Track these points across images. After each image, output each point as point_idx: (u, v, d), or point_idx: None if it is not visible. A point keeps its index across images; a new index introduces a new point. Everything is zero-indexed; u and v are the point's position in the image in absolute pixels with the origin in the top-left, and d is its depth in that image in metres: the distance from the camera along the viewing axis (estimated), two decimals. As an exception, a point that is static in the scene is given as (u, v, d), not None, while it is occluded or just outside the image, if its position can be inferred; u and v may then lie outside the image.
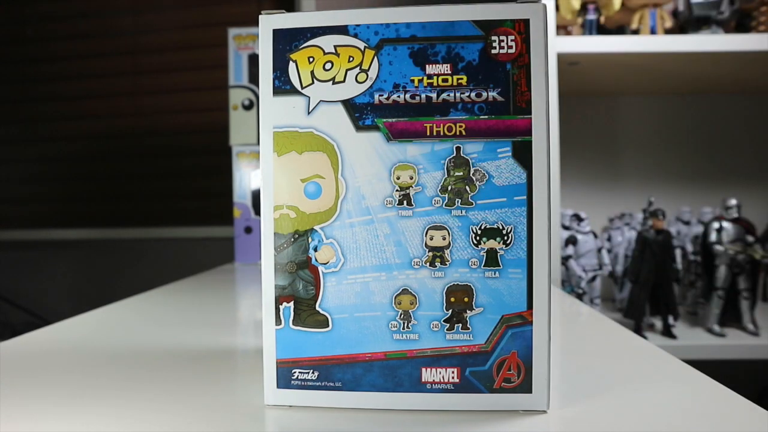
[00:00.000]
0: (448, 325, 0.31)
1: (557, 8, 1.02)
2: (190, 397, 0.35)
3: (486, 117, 0.30)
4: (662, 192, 1.29)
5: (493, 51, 0.29)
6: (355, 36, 0.29)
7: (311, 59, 0.27)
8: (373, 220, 0.31)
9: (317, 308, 0.31)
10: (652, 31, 1.04)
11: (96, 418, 0.32)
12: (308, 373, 0.31)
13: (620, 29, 1.11)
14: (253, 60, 1.12)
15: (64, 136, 1.79)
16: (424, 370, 0.31)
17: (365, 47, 0.28)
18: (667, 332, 0.97)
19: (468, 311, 0.31)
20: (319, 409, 0.32)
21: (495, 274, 0.30)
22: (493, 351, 0.30)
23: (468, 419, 0.30)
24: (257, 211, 1.10)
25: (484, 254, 0.30)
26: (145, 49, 1.73)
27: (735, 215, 0.99)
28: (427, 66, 0.30)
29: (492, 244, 0.30)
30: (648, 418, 0.30)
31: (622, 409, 0.32)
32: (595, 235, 1.10)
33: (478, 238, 0.30)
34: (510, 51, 0.29)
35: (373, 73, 0.28)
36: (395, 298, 0.31)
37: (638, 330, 0.97)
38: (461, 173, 0.30)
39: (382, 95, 0.30)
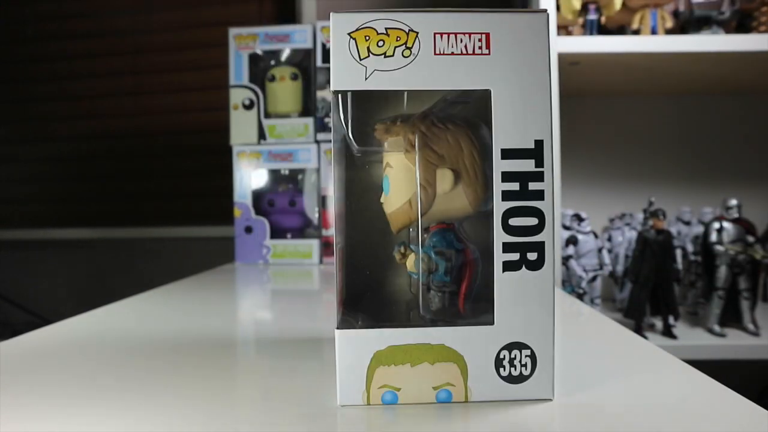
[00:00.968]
0: None
1: (558, 8, 1.02)
2: (190, 397, 0.35)
3: None
4: (663, 192, 1.29)
5: None
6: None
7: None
8: None
9: None
10: (653, 32, 1.04)
11: (96, 418, 0.32)
12: None
13: (621, 29, 1.11)
14: (254, 60, 1.12)
15: (64, 136, 1.79)
16: None
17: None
18: (668, 332, 0.97)
19: None
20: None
21: None
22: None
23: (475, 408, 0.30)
24: (257, 211, 1.10)
25: None
26: (145, 49, 1.73)
27: (735, 215, 0.99)
28: None
29: None
30: (648, 418, 0.30)
31: (622, 408, 0.32)
32: (596, 235, 1.10)
33: None
34: None
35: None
36: None
37: (639, 330, 0.97)
38: None
39: None
